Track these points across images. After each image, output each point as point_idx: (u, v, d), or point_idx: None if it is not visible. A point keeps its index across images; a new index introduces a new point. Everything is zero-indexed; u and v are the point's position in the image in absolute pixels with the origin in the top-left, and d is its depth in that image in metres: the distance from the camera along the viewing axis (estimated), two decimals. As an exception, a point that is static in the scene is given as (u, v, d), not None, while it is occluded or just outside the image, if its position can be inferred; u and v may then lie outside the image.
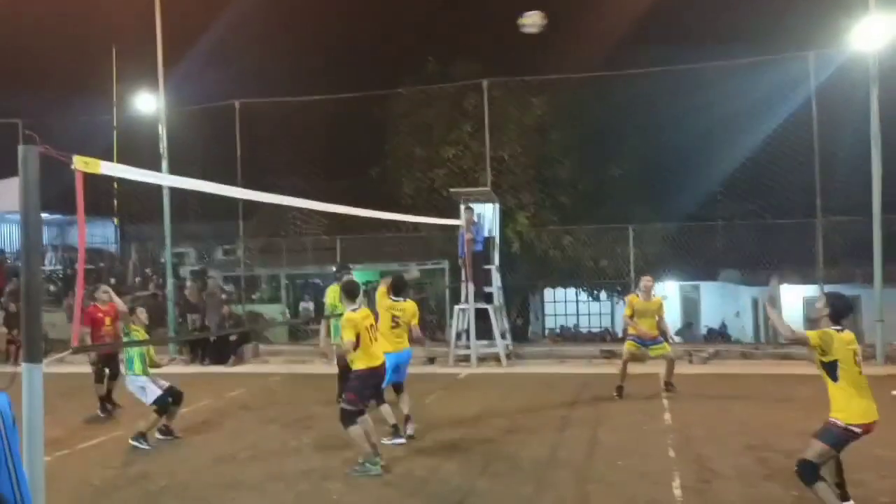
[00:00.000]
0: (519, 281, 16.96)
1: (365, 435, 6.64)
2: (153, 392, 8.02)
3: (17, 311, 14.31)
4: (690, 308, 24.74)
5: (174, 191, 15.65)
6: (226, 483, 6.56)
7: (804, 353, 13.31)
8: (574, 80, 17.23)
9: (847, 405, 5.03)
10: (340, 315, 7.43)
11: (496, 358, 13.56)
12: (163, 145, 15.54)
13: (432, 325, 16.99)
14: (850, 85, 13.30)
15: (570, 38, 20.66)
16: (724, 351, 14.14)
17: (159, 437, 8.15)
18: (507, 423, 8.60)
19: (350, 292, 7.12)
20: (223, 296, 16.91)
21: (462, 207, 13.71)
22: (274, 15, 24.92)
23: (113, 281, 18.11)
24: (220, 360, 14.55)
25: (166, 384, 8.21)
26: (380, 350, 7.00)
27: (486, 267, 14.10)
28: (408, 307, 7.98)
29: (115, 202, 20.28)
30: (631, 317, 10.03)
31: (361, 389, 6.77)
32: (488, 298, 13.90)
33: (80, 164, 3.86)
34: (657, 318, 9.97)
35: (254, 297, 20.23)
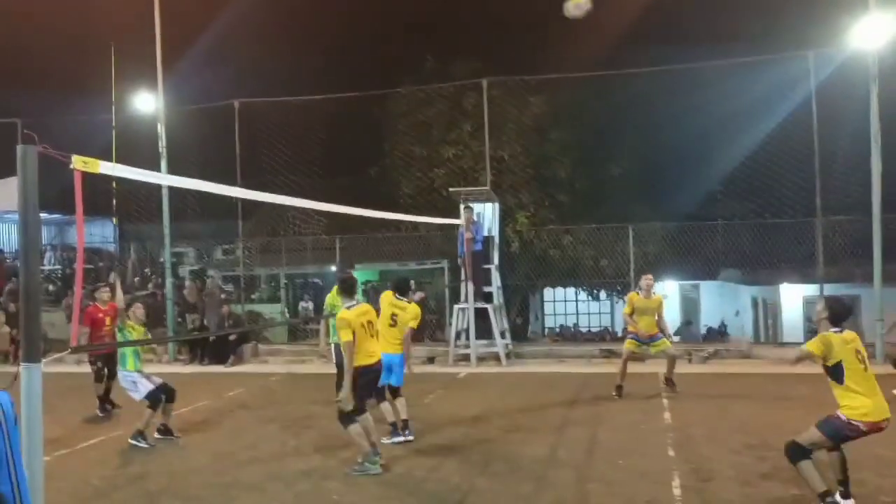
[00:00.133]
0: (518, 280, 16.95)
1: (364, 433, 6.63)
2: (144, 387, 8.03)
3: (16, 311, 14.31)
4: (690, 307, 24.75)
5: (173, 190, 15.65)
6: (225, 483, 6.56)
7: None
8: (574, 80, 17.24)
9: (852, 402, 5.04)
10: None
11: (496, 357, 13.56)
12: (162, 145, 15.54)
13: (432, 325, 16.98)
14: (849, 84, 13.30)
15: (569, 38, 20.66)
16: (725, 350, 14.15)
17: (158, 436, 8.14)
18: (506, 423, 8.61)
19: (346, 288, 7.06)
20: (222, 295, 16.91)
21: (461, 207, 13.71)
22: (273, 14, 24.89)
23: (110, 280, 18.06)
24: (220, 359, 14.55)
25: (160, 381, 8.21)
26: (376, 347, 6.92)
27: (486, 266, 14.11)
28: (409, 308, 7.89)
29: (114, 202, 20.23)
30: (630, 314, 10.03)
31: (365, 385, 6.72)
32: (488, 298, 13.91)
33: (79, 163, 3.86)
34: (657, 316, 9.97)
35: (253, 296, 20.21)
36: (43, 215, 18.33)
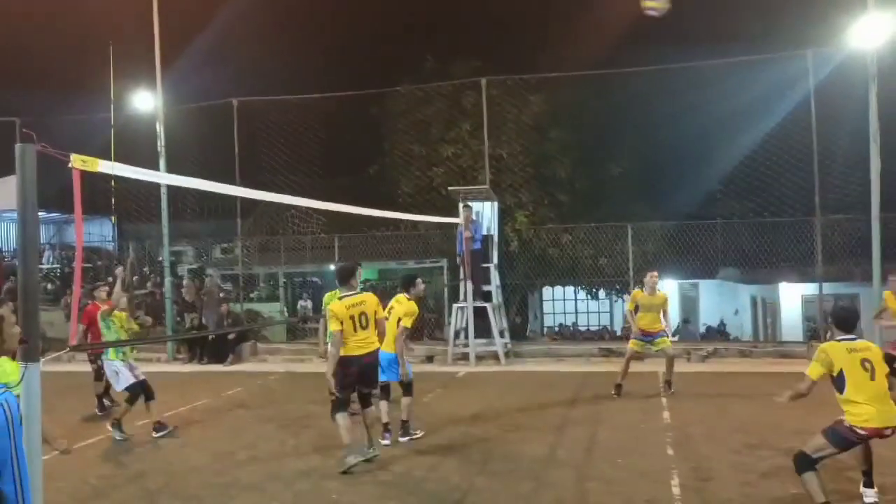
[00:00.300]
0: (517, 279, 16.94)
1: (346, 426, 6.61)
2: (126, 378, 8.07)
3: (14, 310, 14.27)
4: (689, 306, 24.76)
5: (172, 189, 15.64)
6: (224, 482, 6.55)
7: (802, 350, 13.36)
8: (573, 79, 17.23)
9: (852, 409, 5.02)
10: None
11: (495, 356, 13.56)
12: (160, 143, 15.52)
13: (431, 324, 16.98)
14: (848, 83, 13.30)
15: (568, 37, 20.67)
16: (723, 349, 14.15)
17: (155, 434, 8.17)
18: (505, 422, 8.60)
19: (340, 276, 7.03)
20: (221, 294, 16.90)
21: (460, 206, 13.71)
22: (272, 13, 24.90)
23: (110, 279, 18.06)
24: (219, 358, 14.54)
25: (142, 377, 8.27)
26: (365, 340, 6.70)
27: (485, 265, 14.10)
28: (404, 302, 7.69)
29: (113, 200, 20.24)
30: (633, 311, 10.06)
31: (340, 377, 6.69)
32: (487, 297, 13.90)
33: (78, 162, 3.85)
34: (661, 312, 10.00)
35: (252, 295, 20.21)
36: (41, 214, 18.30)
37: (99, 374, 9.77)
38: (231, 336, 14.65)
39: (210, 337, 14.73)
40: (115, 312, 8.26)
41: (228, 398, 10.75)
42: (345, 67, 22.91)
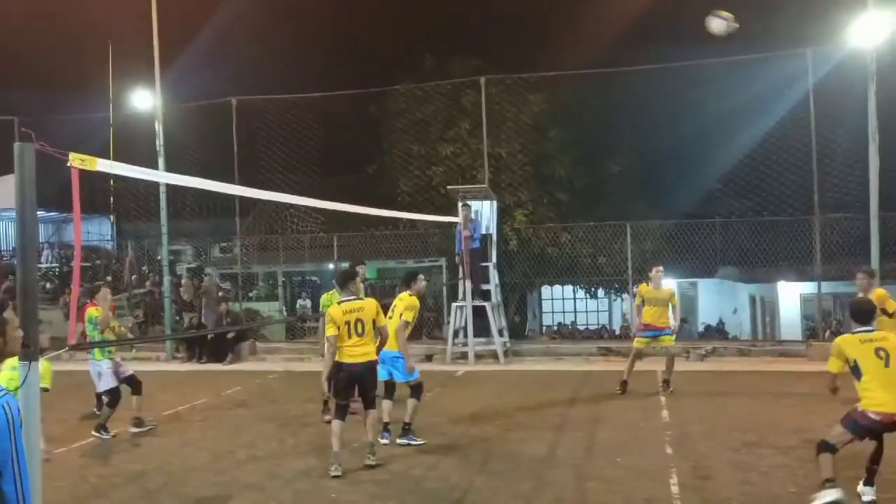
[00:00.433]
0: (516, 278, 16.94)
1: (337, 434, 6.59)
2: (108, 381, 8.08)
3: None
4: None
5: (171, 188, 15.63)
6: (223, 481, 6.55)
7: (801, 349, 13.39)
8: (572, 78, 17.22)
9: (867, 395, 5.19)
10: None
11: (494, 355, 13.56)
12: (159, 142, 15.50)
13: (430, 323, 16.98)
14: (847, 81, 13.30)
15: (568, 36, 20.68)
16: (722, 348, 14.16)
17: (132, 430, 8.20)
18: (505, 421, 8.60)
19: (339, 280, 7.06)
20: (220, 293, 16.89)
21: (459, 204, 13.70)
22: (270, 12, 24.89)
23: (109, 278, 18.07)
24: (218, 357, 14.53)
25: (128, 373, 8.30)
26: (358, 348, 6.60)
27: (484, 264, 14.09)
28: (404, 298, 7.62)
29: (112, 199, 20.24)
30: (641, 306, 10.11)
31: (335, 382, 6.72)
32: (486, 296, 13.90)
33: (77, 161, 3.85)
34: (670, 306, 10.06)
35: (251, 294, 20.21)
36: (40, 213, 18.28)
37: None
38: (230, 335, 14.64)
39: (209, 336, 14.72)
40: (100, 311, 8.28)
41: (227, 397, 10.75)
42: (344, 66, 22.90)
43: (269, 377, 12.70)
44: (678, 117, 17.03)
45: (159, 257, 18.17)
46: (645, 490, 5.94)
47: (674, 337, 10.22)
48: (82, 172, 3.94)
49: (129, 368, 8.50)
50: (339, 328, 6.58)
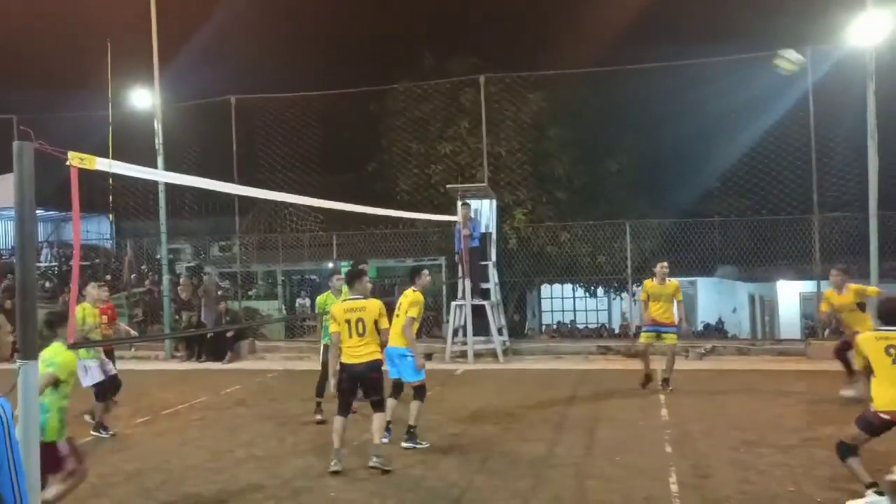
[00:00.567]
0: (516, 277, 16.94)
1: (338, 431, 6.60)
2: (93, 376, 8.09)
3: (12, 308, 14.27)
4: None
5: (170, 186, 15.62)
6: (222, 480, 6.55)
7: (800, 348, 13.40)
8: (571, 76, 17.22)
9: (877, 393, 5.27)
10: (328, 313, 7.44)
11: (493, 354, 13.56)
12: (158, 141, 15.50)
13: (429, 322, 16.97)
14: (846, 81, 13.30)
15: (567, 35, 20.66)
16: (721, 347, 14.16)
17: (93, 433, 8.14)
18: (504, 420, 8.61)
19: (346, 279, 7.11)
20: (219, 292, 16.88)
21: (459, 203, 13.69)
22: (270, 10, 24.87)
23: (108, 277, 18.05)
24: (217, 356, 14.53)
25: (112, 373, 8.33)
26: (358, 348, 6.59)
27: (483, 263, 14.09)
28: (408, 294, 7.63)
29: (111, 198, 20.20)
30: (646, 301, 10.17)
31: (338, 382, 6.73)
32: (485, 295, 13.90)
33: (76, 159, 3.84)
34: (675, 301, 10.11)
35: (250, 293, 20.20)
36: (39, 212, 18.27)
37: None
38: (229, 334, 14.64)
39: (208, 335, 14.72)
40: (87, 307, 8.28)
41: (227, 396, 10.75)
42: (343, 65, 22.86)
43: (268, 376, 12.70)
44: (677, 116, 17.02)
45: (158, 256, 18.17)
46: (644, 489, 5.95)
47: (677, 334, 10.23)
48: (81, 171, 3.93)
49: (114, 369, 8.51)
50: (340, 325, 6.62)
